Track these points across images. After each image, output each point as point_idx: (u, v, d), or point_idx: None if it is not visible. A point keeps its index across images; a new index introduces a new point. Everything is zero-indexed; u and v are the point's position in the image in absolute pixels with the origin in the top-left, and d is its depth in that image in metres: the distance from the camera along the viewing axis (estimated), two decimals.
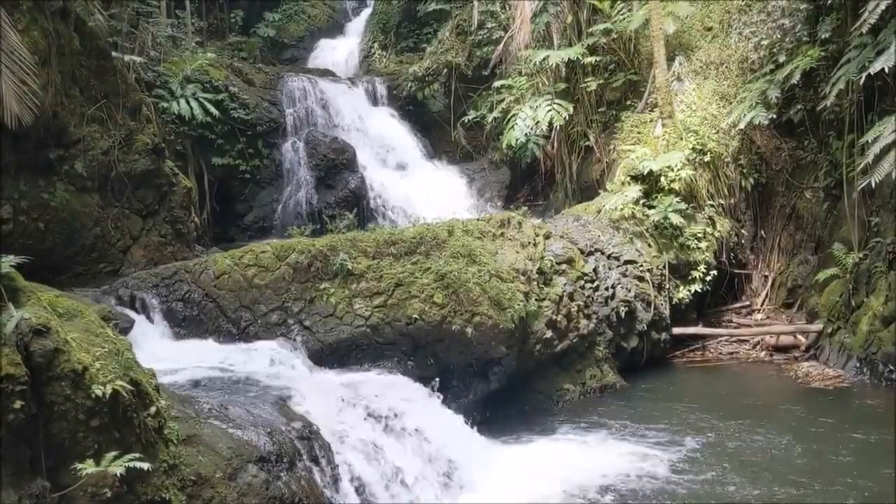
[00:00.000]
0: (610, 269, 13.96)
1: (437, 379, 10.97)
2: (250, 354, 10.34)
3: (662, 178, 14.72)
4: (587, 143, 17.73)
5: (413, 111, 22.76)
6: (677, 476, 9.72)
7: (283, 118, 20.47)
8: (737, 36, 16.58)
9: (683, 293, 14.58)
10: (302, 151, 20.04)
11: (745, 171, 15.96)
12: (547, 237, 13.60)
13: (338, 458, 8.45)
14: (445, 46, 22.82)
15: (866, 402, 11.91)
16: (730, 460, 10.08)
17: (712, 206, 15.50)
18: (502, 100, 18.81)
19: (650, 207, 14.66)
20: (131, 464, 6.05)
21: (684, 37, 17.54)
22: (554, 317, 12.60)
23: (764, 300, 16.05)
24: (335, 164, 19.83)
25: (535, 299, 12.36)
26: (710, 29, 17.49)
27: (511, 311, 11.63)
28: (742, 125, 15.15)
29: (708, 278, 14.77)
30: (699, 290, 14.74)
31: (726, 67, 16.76)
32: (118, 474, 5.98)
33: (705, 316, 15.81)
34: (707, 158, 15.53)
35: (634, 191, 14.58)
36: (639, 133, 16.30)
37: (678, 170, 14.62)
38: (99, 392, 6.16)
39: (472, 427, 10.57)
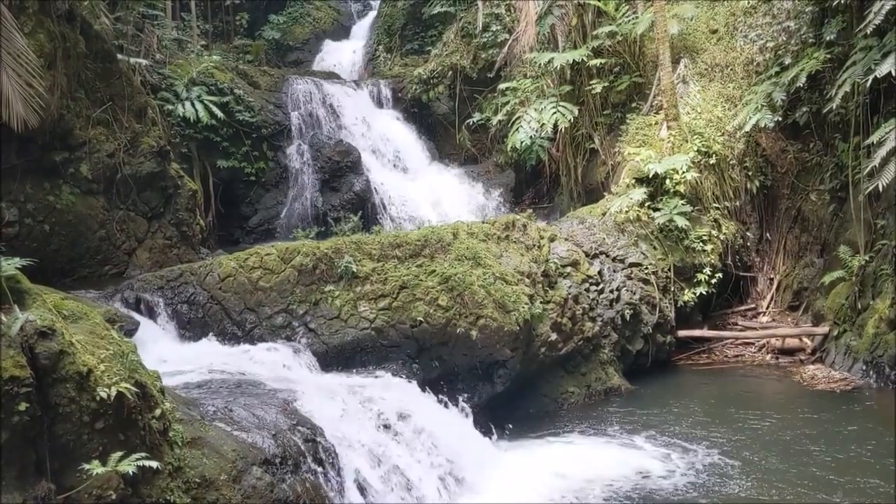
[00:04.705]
0: (615, 271, 13.95)
1: (442, 381, 10.97)
2: (255, 356, 10.34)
3: (668, 181, 14.70)
4: (592, 145, 17.70)
5: (418, 114, 22.77)
6: (682, 478, 9.70)
7: (288, 121, 20.52)
8: (742, 38, 16.56)
9: (688, 296, 14.54)
10: (307, 154, 20.07)
11: (750, 173, 15.93)
12: (552, 240, 13.59)
13: (342, 461, 8.45)
14: (450, 49, 22.82)
15: (872, 405, 11.87)
16: (734, 463, 10.04)
17: (717, 208, 15.48)
18: (507, 102, 18.79)
19: (655, 210, 14.63)
20: (141, 462, 6.06)
21: (689, 39, 17.52)
22: (559, 319, 12.58)
23: (769, 303, 16.01)
24: (340, 166, 19.85)
25: (540, 302, 12.35)
26: (715, 31, 17.46)
27: (516, 313, 11.62)
28: (747, 128, 15.12)
29: (713, 281, 14.73)
30: (704, 293, 14.70)
31: (731, 70, 16.73)
32: (130, 473, 6.00)
33: (710, 318, 15.77)
34: (712, 161, 15.50)
35: (639, 193, 14.56)
36: (644, 135, 16.27)
37: (683, 172, 14.59)
38: (104, 394, 6.17)
39: (476, 429, 10.56)
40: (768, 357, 14.63)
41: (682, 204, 14.60)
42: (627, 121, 16.89)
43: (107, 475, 6.00)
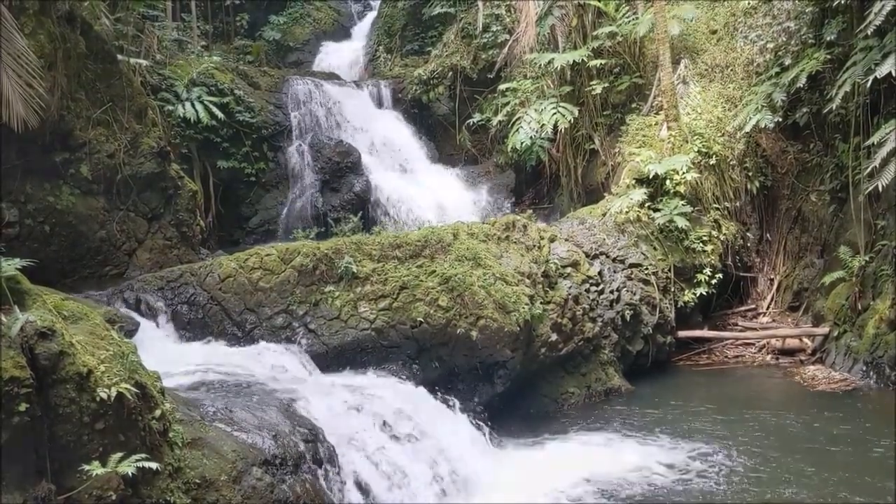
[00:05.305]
0: (615, 272, 13.95)
1: (442, 382, 10.97)
2: (255, 357, 10.34)
3: (668, 181, 14.71)
4: (592, 146, 17.71)
5: (418, 114, 22.77)
6: (683, 479, 9.70)
7: (289, 121, 20.53)
8: (742, 39, 16.56)
9: (689, 296, 14.54)
10: (307, 154, 20.07)
11: (750, 174, 15.94)
12: (552, 240, 13.59)
13: (342, 461, 8.46)
14: (450, 49, 22.82)
15: (873, 406, 11.86)
16: (736, 464, 10.05)
17: (718, 209, 15.48)
18: (507, 103, 18.79)
19: (655, 210, 14.64)
20: (140, 464, 6.07)
21: (689, 40, 17.52)
22: (559, 320, 12.59)
23: (769, 303, 16.01)
24: (340, 167, 19.85)
25: (540, 302, 12.36)
26: (715, 32, 17.47)
27: (516, 314, 11.62)
28: (748, 128, 15.12)
29: (713, 281, 14.73)
30: (704, 294, 14.70)
31: (732, 70, 16.73)
32: (129, 474, 6.01)
33: (711, 319, 15.78)
34: (713, 161, 15.51)
35: (640, 194, 14.56)
36: (644, 136, 16.28)
37: (684, 173, 14.60)
38: (104, 395, 6.18)
39: (476, 430, 10.56)
40: (768, 358, 14.63)
41: (683, 204, 14.60)
42: (627, 121, 16.89)
43: (107, 476, 6.00)
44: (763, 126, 14.94)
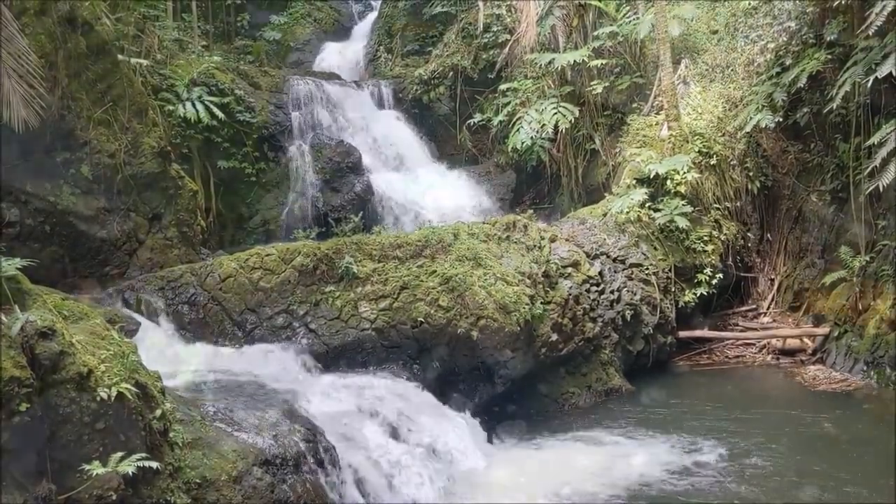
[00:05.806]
0: (615, 272, 13.95)
1: (443, 382, 10.97)
2: (256, 357, 10.35)
3: (668, 181, 14.70)
4: (593, 146, 17.71)
5: (419, 114, 22.74)
6: (683, 479, 9.69)
7: (289, 121, 20.49)
8: (743, 39, 16.57)
9: (689, 296, 14.54)
10: (308, 154, 20.05)
11: (751, 174, 15.93)
12: (552, 240, 13.59)
13: (342, 461, 8.46)
14: (451, 49, 22.79)
15: (873, 406, 11.85)
16: (736, 464, 10.04)
17: (718, 209, 15.47)
18: (508, 103, 18.80)
19: (656, 210, 14.63)
20: (141, 463, 6.08)
21: (690, 40, 17.52)
22: (559, 320, 12.59)
23: (770, 303, 16.00)
24: (341, 167, 19.83)
25: (541, 302, 12.36)
26: (715, 32, 17.46)
27: (516, 314, 11.62)
28: (748, 128, 15.12)
29: (714, 281, 14.73)
30: (705, 294, 14.70)
31: (732, 70, 16.73)
32: (130, 473, 6.01)
33: (711, 319, 15.75)
34: (713, 161, 15.50)
35: (640, 194, 14.55)
36: (644, 136, 16.27)
37: (684, 173, 14.59)
38: (104, 394, 6.19)
39: (477, 430, 10.56)
40: (769, 358, 14.63)
41: (683, 204, 14.60)
42: (628, 121, 16.89)
43: (107, 476, 6.00)
44: (764, 126, 14.93)
